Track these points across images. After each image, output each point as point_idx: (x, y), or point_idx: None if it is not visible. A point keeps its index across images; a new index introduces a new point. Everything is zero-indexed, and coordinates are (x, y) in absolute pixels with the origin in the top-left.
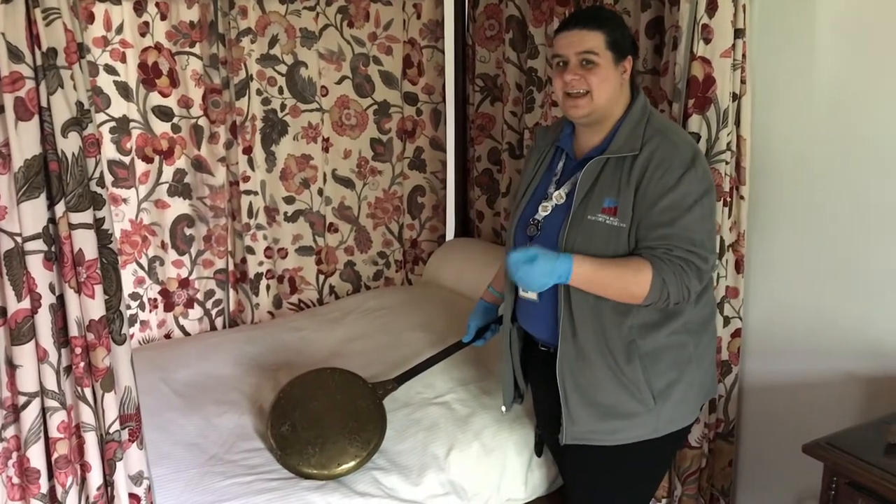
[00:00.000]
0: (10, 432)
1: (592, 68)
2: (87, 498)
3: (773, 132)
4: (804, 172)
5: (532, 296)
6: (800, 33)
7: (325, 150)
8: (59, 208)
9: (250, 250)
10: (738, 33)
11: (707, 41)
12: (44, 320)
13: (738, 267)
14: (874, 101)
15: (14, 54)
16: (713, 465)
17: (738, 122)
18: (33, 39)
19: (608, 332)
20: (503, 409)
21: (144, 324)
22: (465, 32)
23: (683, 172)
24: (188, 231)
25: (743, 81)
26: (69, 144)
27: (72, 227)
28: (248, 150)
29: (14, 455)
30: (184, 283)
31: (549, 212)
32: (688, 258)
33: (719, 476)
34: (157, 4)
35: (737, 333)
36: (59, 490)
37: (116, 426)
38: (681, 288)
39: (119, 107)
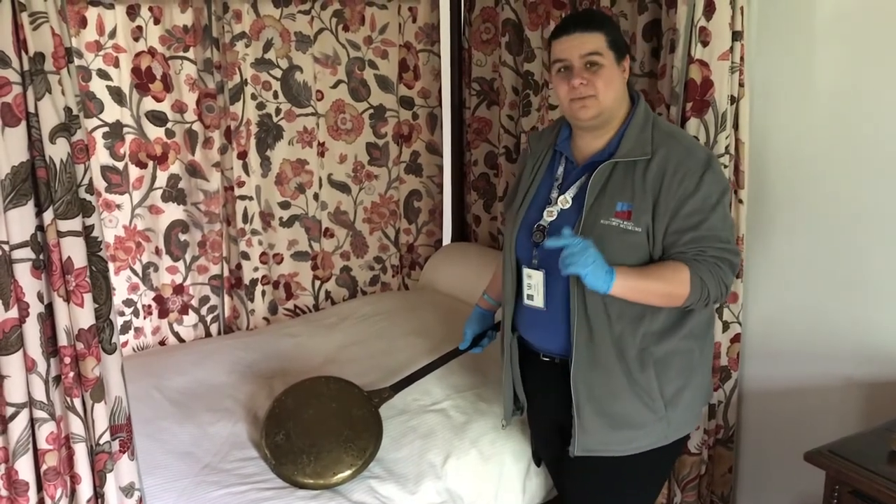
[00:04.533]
0: None
1: (598, 70)
2: None
3: (771, 135)
4: (803, 175)
5: (539, 304)
6: (798, 35)
7: (321, 154)
8: (48, 216)
9: (245, 256)
10: (736, 36)
11: (705, 44)
12: (32, 330)
13: (738, 271)
14: (873, 103)
15: (0, 59)
16: (713, 472)
17: (736, 126)
18: (20, 44)
19: (624, 339)
20: (503, 423)
21: (139, 330)
22: (462, 36)
23: (702, 175)
24: (182, 237)
25: (741, 84)
26: (57, 151)
27: (60, 234)
28: (242, 155)
29: (2, 467)
30: (178, 290)
31: (555, 217)
32: (720, 255)
33: (719, 483)
34: (150, 9)
35: (736, 338)
36: (48, 503)
37: (107, 437)
38: (719, 285)
39: (112, 112)
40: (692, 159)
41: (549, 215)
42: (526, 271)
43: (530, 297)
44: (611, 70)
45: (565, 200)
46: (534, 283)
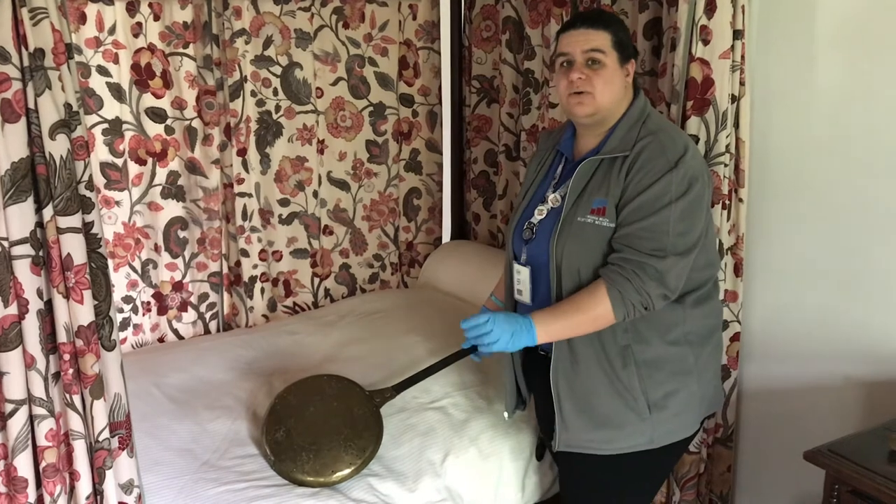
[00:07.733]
0: None
1: (598, 68)
2: None
3: (772, 134)
4: (803, 175)
5: (526, 300)
6: (799, 34)
7: (321, 151)
8: (47, 212)
9: (244, 253)
10: (737, 34)
11: (706, 42)
12: (31, 326)
13: (737, 270)
14: (873, 102)
15: (0, 55)
16: (712, 471)
17: (736, 125)
18: (20, 40)
19: (603, 336)
20: (505, 414)
21: (137, 327)
22: (462, 34)
23: (664, 174)
24: (182, 234)
25: (742, 83)
26: (57, 147)
27: (60, 231)
28: (242, 152)
29: (1, 464)
30: (177, 287)
31: (544, 215)
32: (641, 261)
33: (718, 481)
34: (150, 5)
35: (736, 337)
36: (47, 499)
37: (106, 434)
38: (640, 293)
39: (112, 108)
40: (661, 157)
41: (539, 213)
42: (515, 267)
43: (519, 292)
44: (612, 71)
45: (556, 199)
46: (522, 278)
